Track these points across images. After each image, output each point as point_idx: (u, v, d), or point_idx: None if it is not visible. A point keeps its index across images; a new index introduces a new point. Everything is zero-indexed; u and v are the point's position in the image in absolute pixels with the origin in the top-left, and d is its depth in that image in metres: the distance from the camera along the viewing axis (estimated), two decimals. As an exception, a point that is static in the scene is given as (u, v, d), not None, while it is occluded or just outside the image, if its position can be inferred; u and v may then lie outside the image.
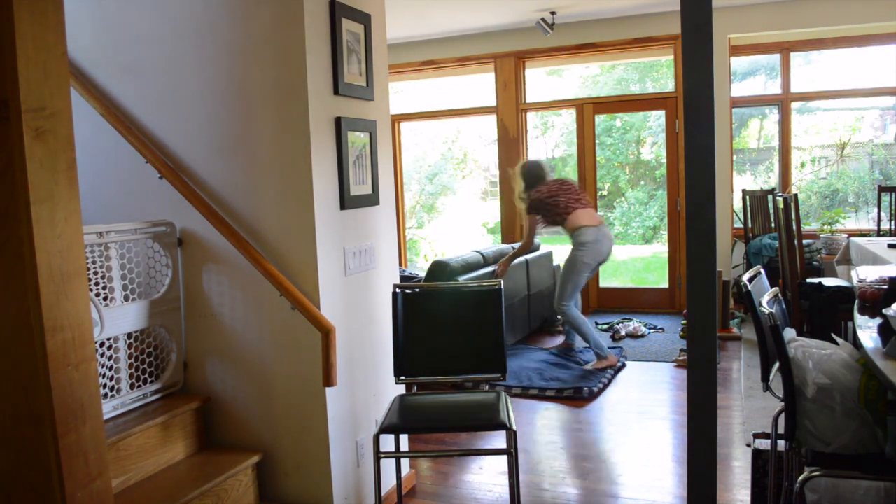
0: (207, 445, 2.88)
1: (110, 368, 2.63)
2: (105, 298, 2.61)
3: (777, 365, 2.25)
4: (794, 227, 4.61)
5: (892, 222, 6.02)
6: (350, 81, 2.82)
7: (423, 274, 5.43)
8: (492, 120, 7.55)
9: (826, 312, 4.33)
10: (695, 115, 1.32)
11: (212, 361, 2.88)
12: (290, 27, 2.58)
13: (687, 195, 1.35)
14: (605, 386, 4.67)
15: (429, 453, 3.71)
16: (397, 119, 7.87)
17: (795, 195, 4.61)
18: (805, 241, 5.55)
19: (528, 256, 6.24)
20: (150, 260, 2.81)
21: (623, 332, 6.03)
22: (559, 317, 6.43)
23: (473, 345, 2.91)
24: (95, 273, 2.58)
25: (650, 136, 10.99)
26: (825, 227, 6.45)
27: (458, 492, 3.25)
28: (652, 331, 6.17)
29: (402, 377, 2.88)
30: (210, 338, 2.87)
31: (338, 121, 2.75)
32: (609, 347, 5.42)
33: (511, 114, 7.28)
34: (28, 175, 1.46)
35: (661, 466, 3.41)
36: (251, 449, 2.81)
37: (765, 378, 2.49)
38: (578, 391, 4.47)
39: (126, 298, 2.67)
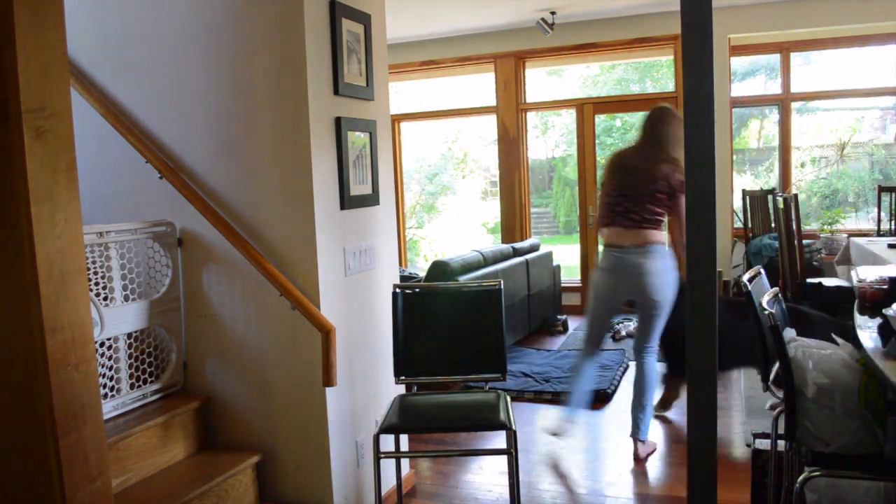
0: (207, 445, 2.88)
1: (110, 368, 2.63)
2: (105, 298, 2.61)
3: (777, 365, 2.25)
4: (794, 227, 4.60)
5: (892, 222, 6.01)
6: (350, 81, 2.82)
7: (423, 274, 5.43)
8: (492, 120, 7.55)
9: (826, 312, 4.33)
10: (695, 115, 1.32)
11: (212, 361, 2.88)
12: (290, 27, 2.58)
13: (687, 195, 1.35)
14: (614, 391, 4.58)
15: (429, 453, 3.71)
16: (397, 119, 7.87)
17: (795, 195, 4.61)
18: (805, 241, 5.55)
19: (528, 256, 6.22)
20: (150, 260, 2.81)
21: (623, 333, 6.02)
22: (559, 317, 6.43)
23: (473, 345, 2.91)
24: (95, 273, 2.58)
25: (650, 137, 10.96)
26: (825, 227, 6.45)
27: (458, 492, 3.25)
28: (652, 331, 6.16)
29: (402, 377, 2.88)
30: (210, 338, 2.87)
31: (338, 121, 2.75)
32: (610, 349, 5.41)
33: (511, 114, 7.28)
34: (28, 175, 1.46)
35: (661, 466, 3.41)
36: (251, 449, 2.81)
37: (765, 378, 2.49)
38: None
39: (126, 298, 2.67)
